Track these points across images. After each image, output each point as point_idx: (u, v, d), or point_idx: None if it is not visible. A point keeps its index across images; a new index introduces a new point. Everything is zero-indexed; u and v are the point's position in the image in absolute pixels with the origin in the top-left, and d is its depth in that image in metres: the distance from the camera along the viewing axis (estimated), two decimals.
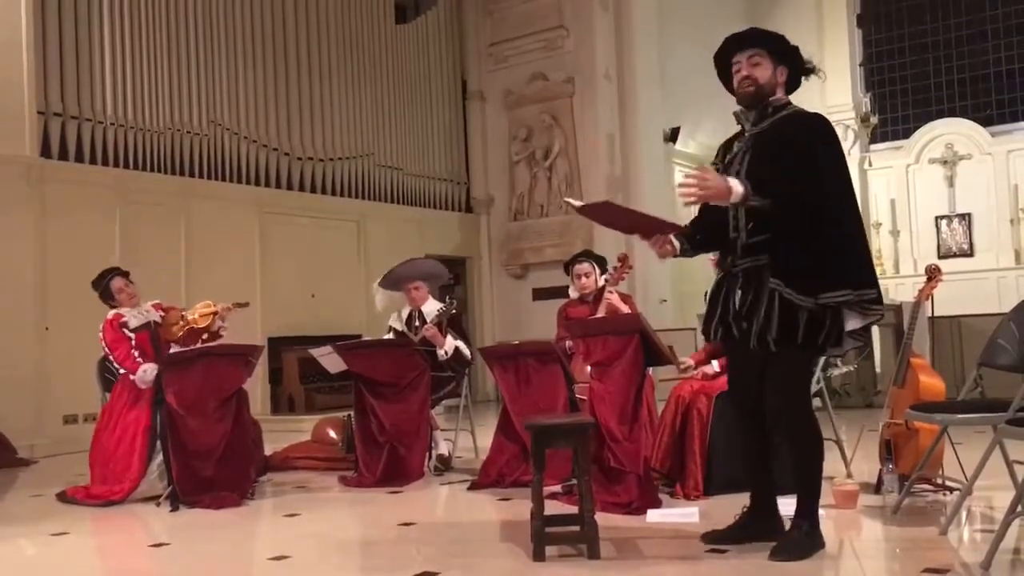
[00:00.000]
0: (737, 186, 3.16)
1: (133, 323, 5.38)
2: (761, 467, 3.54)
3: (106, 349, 5.33)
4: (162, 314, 5.56)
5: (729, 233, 3.42)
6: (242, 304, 5.68)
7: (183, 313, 5.55)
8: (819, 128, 3.31)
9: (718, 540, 3.53)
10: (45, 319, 7.93)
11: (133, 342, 5.31)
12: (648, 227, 3.49)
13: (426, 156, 12.24)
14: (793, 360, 3.31)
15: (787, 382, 3.33)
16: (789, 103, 3.42)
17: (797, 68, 3.40)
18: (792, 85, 3.44)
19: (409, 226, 11.63)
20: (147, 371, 5.19)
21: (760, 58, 3.35)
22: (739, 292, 3.38)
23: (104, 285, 5.51)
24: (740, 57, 3.39)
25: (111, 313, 5.44)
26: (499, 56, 12.55)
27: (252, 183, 9.91)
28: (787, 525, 3.42)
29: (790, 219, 3.21)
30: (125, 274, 5.58)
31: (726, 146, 3.57)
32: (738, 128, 3.53)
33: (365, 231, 11.11)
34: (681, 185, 3.29)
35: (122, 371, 5.26)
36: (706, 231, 3.52)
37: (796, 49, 3.38)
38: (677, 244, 3.49)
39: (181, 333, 5.46)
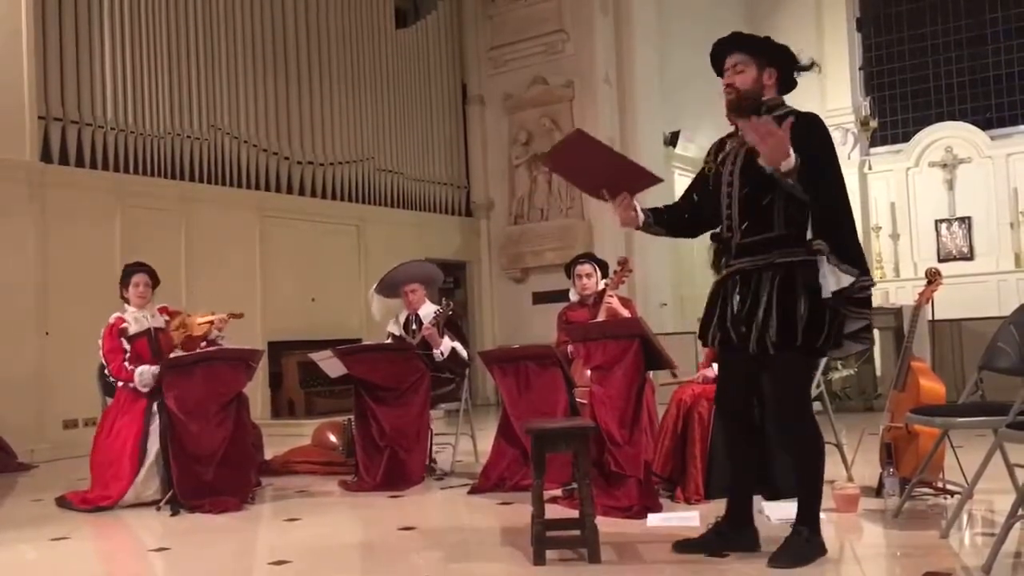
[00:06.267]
0: (793, 157, 3.07)
1: (132, 329, 5.35)
2: (744, 474, 3.51)
3: (103, 358, 5.33)
4: (167, 318, 5.56)
5: (722, 233, 3.43)
6: (237, 315, 5.70)
7: (185, 319, 5.56)
8: (821, 126, 3.29)
9: (690, 548, 3.48)
10: (45, 324, 7.92)
11: (128, 353, 5.27)
12: (625, 176, 3.37)
13: (426, 160, 12.25)
14: (792, 362, 3.30)
15: (786, 385, 3.31)
16: (783, 103, 3.36)
17: (788, 68, 3.35)
18: (786, 85, 3.39)
19: (409, 230, 11.62)
20: (143, 373, 5.17)
21: (744, 64, 3.31)
22: (737, 296, 3.36)
23: (127, 274, 5.48)
24: (728, 63, 3.36)
25: (113, 317, 5.40)
26: (499, 60, 12.55)
27: (252, 187, 9.90)
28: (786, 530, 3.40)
29: (822, 208, 3.16)
30: (152, 275, 5.53)
31: (719, 145, 3.54)
32: (731, 128, 3.49)
33: (365, 235, 11.11)
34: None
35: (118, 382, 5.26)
36: (677, 216, 3.55)
37: (784, 49, 3.32)
38: (642, 215, 3.49)
39: (181, 340, 5.47)
